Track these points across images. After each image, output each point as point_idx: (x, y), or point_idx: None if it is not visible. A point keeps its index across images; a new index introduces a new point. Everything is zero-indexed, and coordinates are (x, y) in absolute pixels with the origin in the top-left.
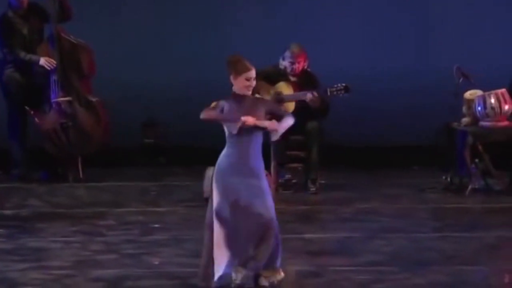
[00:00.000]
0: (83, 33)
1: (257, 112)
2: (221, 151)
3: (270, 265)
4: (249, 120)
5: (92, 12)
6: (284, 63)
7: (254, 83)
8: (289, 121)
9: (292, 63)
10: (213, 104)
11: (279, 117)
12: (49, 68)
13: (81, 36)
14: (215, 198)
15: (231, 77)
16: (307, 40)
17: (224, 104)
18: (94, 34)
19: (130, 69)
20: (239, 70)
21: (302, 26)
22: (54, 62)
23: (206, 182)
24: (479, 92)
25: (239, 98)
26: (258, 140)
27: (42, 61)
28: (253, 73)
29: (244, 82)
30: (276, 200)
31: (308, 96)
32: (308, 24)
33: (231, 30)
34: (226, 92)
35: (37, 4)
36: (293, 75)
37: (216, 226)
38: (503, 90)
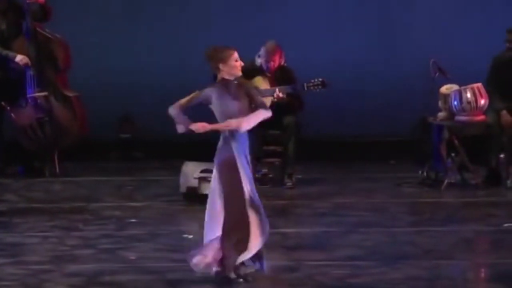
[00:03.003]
0: (59, 28)
1: (243, 96)
2: (197, 146)
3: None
4: (199, 127)
5: (68, 6)
6: (260, 61)
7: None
8: (259, 115)
9: (267, 62)
10: (194, 93)
11: (255, 106)
12: (22, 66)
13: (57, 31)
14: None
15: (220, 66)
16: (279, 36)
17: (212, 92)
18: (70, 29)
19: (106, 64)
20: (226, 56)
21: (273, 21)
22: (29, 63)
23: (182, 177)
24: (455, 87)
25: (226, 83)
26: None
27: (18, 58)
28: (237, 53)
29: (235, 64)
30: None
31: (275, 94)
32: (279, 19)
33: (205, 25)
34: (203, 86)
35: (15, 1)
36: (269, 72)
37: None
38: (479, 84)
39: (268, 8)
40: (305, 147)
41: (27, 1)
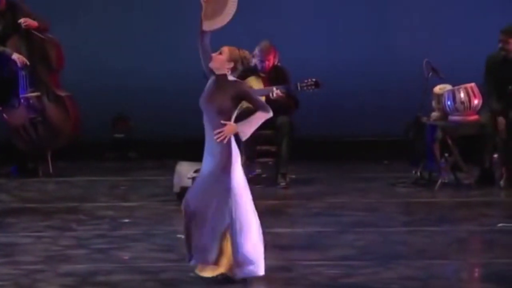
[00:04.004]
0: (54, 28)
1: (220, 95)
2: (191, 146)
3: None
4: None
5: (63, 6)
6: (254, 61)
7: (212, 62)
8: (260, 117)
9: (262, 61)
10: None
11: (254, 109)
12: (19, 65)
13: (52, 31)
14: None
15: None
16: (275, 36)
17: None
18: (65, 29)
19: (101, 64)
20: None
21: (268, 21)
22: (26, 62)
23: (176, 177)
24: (448, 87)
25: (214, 76)
26: (219, 128)
27: (15, 56)
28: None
29: None
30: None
31: (274, 93)
32: (273, 18)
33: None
34: (198, 85)
35: (14, 2)
36: (263, 72)
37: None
38: (472, 84)
39: (263, 8)
40: (299, 147)
41: (22, 26)
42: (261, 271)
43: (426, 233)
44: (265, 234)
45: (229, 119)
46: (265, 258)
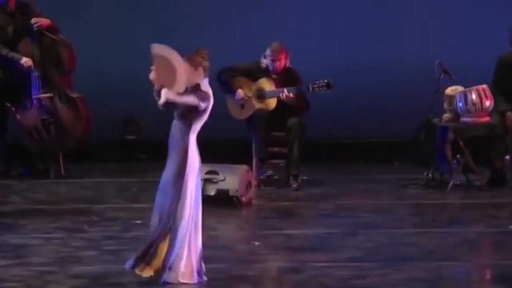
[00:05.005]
0: (63, 29)
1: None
2: (200, 147)
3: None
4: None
5: (71, 7)
6: (266, 61)
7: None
8: (189, 99)
9: (273, 61)
10: None
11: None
12: (26, 70)
13: (62, 32)
14: None
15: None
16: (272, 36)
17: None
18: (75, 30)
19: (111, 65)
20: None
21: (266, 21)
22: (33, 66)
23: None
24: (460, 88)
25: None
26: (180, 133)
27: (23, 61)
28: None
29: None
30: (257, 196)
31: (283, 94)
32: (273, 19)
33: (207, 27)
34: None
35: (26, 3)
36: (275, 73)
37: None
38: (484, 86)
39: (262, 9)
40: (310, 148)
41: (34, 27)
42: (185, 279)
43: (435, 234)
44: (275, 235)
45: (189, 126)
46: (275, 260)
